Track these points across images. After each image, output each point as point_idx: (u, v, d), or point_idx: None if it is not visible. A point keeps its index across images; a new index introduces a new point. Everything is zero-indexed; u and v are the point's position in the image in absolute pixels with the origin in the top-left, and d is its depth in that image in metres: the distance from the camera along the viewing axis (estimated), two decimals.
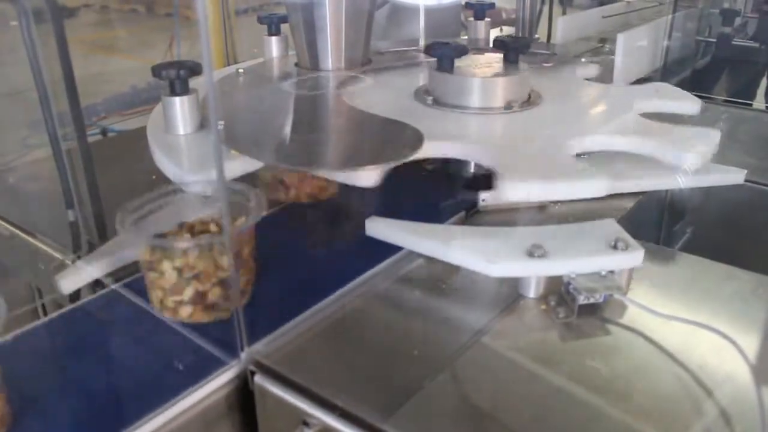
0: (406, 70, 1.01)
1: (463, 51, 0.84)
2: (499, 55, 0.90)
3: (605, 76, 1.05)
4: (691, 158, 0.77)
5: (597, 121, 0.85)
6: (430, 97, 0.84)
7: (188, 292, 0.58)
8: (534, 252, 0.61)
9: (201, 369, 0.54)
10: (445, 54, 0.83)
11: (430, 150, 0.72)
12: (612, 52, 1.14)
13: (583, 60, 1.02)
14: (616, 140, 0.80)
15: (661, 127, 0.84)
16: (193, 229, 0.63)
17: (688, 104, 0.92)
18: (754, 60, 1.52)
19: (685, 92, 0.95)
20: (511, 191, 0.68)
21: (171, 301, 0.59)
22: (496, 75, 0.84)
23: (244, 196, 0.62)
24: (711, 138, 0.80)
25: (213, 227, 0.63)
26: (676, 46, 1.35)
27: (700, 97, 1.23)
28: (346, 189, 0.70)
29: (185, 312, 0.59)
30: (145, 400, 0.51)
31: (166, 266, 0.58)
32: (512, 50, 0.89)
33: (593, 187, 0.71)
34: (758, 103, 1.26)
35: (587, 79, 1.00)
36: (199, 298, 0.58)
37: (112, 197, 0.76)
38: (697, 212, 0.96)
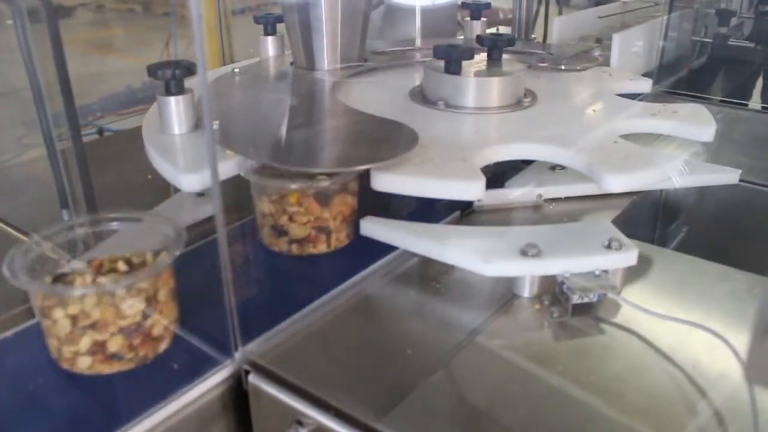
0: (402, 69, 1.01)
1: (470, 53, 0.84)
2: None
3: None
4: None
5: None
6: (441, 102, 0.83)
7: (84, 343, 0.52)
8: (528, 251, 0.61)
9: (195, 368, 0.54)
10: (452, 56, 0.82)
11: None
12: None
13: (562, 67, 1.02)
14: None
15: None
16: (101, 268, 0.56)
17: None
18: (749, 60, 1.52)
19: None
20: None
21: (67, 352, 0.53)
22: (505, 74, 0.84)
23: (168, 228, 0.58)
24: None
25: (121, 266, 0.56)
26: (671, 47, 1.36)
27: (695, 97, 1.24)
28: None
29: (83, 364, 0.53)
30: (140, 400, 0.51)
31: (59, 314, 0.51)
32: (496, 48, 0.89)
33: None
34: (753, 103, 1.27)
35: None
36: (99, 348, 0.53)
37: (108, 197, 0.77)
38: (692, 212, 0.97)
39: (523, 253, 0.61)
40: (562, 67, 1.01)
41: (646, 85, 0.99)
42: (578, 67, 1.01)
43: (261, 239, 0.72)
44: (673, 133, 0.83)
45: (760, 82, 1.49)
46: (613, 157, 0.70)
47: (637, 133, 0.80)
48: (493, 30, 1.39)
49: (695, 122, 0.82)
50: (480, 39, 0.90)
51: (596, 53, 1.16)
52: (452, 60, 0.82)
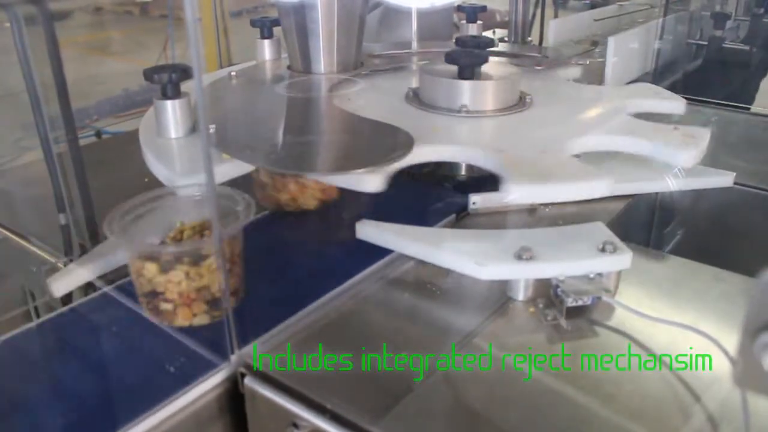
0: (399, 73, 1.01)
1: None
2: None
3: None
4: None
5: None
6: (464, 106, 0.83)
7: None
8: (523, 255, 0.61)
9: (192, 371, 0.54)
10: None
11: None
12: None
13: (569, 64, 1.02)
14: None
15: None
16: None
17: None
18: (745, 63, 1.53)
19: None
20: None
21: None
22: (500, 77, 0.84)
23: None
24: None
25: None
26: (667, 49, 1.36)
27: (690, 99, 1.24)
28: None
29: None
30: (137, 403, 0.51)
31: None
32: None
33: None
34: (749, 105, 1.27)
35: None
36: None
37: (104, 200, 0.77)
38: (687, 215, 0.97)
39: (518, 256, 0.62)
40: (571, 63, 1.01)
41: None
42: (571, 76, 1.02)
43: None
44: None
45: (755, 85, 1.49)
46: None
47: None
48: (489, 33, 1.39)
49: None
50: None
51: (580, 60, 1.16)
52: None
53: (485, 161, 0.72)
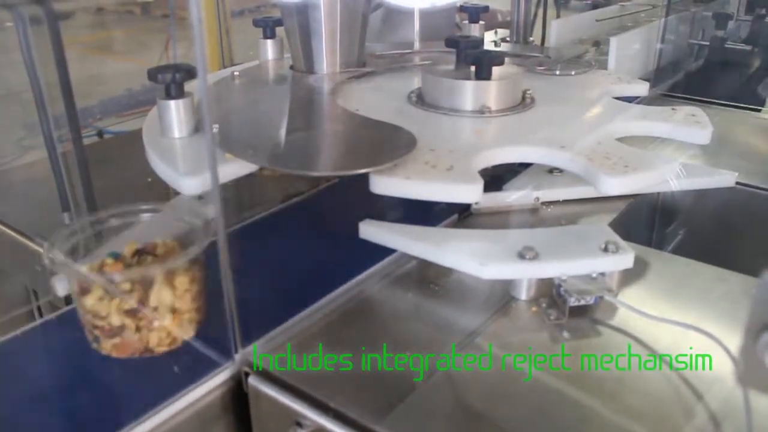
0: (401, 73, 1.01)
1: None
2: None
3: None
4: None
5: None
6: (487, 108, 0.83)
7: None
8: (525, 254, 0.62)
9: (196, 370, 0.55)
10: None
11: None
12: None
13: (557, 73, 1.03)
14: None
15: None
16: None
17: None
18: (746, 63, 1.53)
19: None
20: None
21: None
22: (502, 77, 0.84)
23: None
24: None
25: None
26: (669, 50, 1.36)
27: (692, 99, 1.25)
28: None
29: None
30: (141, 401, 0.51)
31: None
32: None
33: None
34: (750, 105, 1.27)
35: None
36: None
37: (108, 200, 0.77)
38: (689, 215, 0.97)
39: (521, 255, 0.62)
40: (557, 73, 1.02)
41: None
42: (573, 72, 1.02)
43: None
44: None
45: (757, 85, 1.49)
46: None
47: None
48: (491, 33, 1.39)
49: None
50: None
51: (589, 56, 1.17)
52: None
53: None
